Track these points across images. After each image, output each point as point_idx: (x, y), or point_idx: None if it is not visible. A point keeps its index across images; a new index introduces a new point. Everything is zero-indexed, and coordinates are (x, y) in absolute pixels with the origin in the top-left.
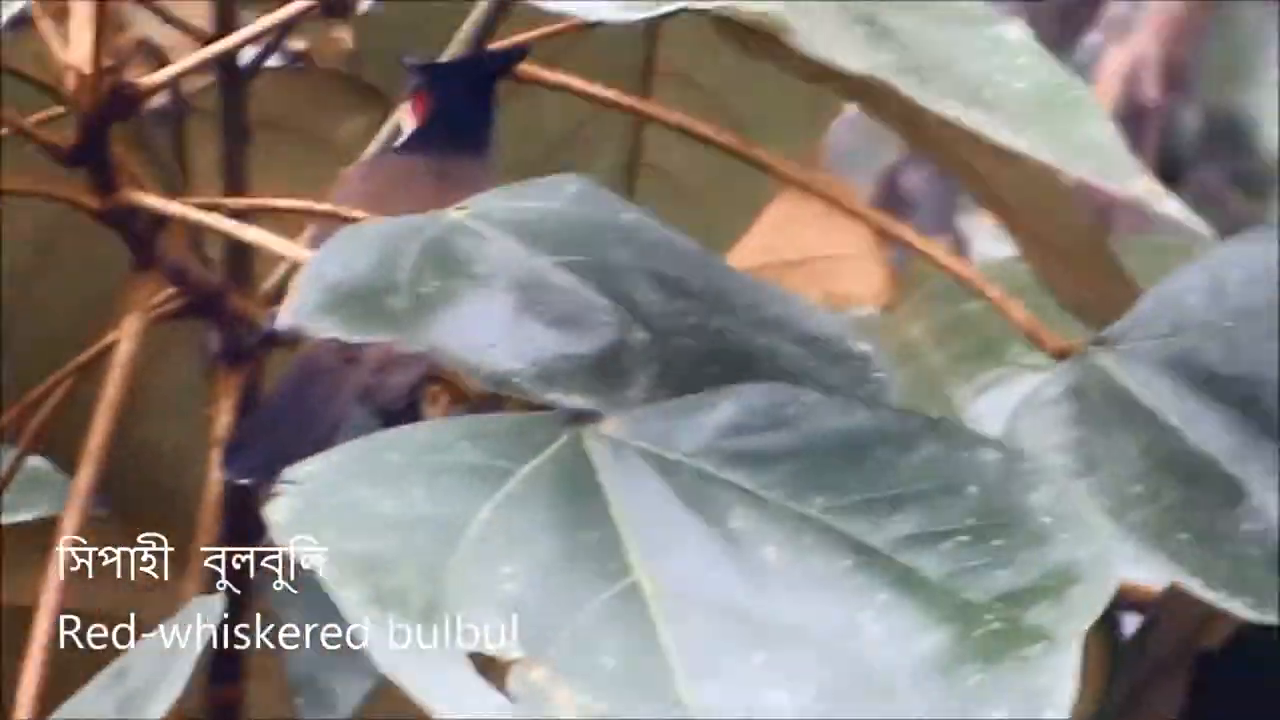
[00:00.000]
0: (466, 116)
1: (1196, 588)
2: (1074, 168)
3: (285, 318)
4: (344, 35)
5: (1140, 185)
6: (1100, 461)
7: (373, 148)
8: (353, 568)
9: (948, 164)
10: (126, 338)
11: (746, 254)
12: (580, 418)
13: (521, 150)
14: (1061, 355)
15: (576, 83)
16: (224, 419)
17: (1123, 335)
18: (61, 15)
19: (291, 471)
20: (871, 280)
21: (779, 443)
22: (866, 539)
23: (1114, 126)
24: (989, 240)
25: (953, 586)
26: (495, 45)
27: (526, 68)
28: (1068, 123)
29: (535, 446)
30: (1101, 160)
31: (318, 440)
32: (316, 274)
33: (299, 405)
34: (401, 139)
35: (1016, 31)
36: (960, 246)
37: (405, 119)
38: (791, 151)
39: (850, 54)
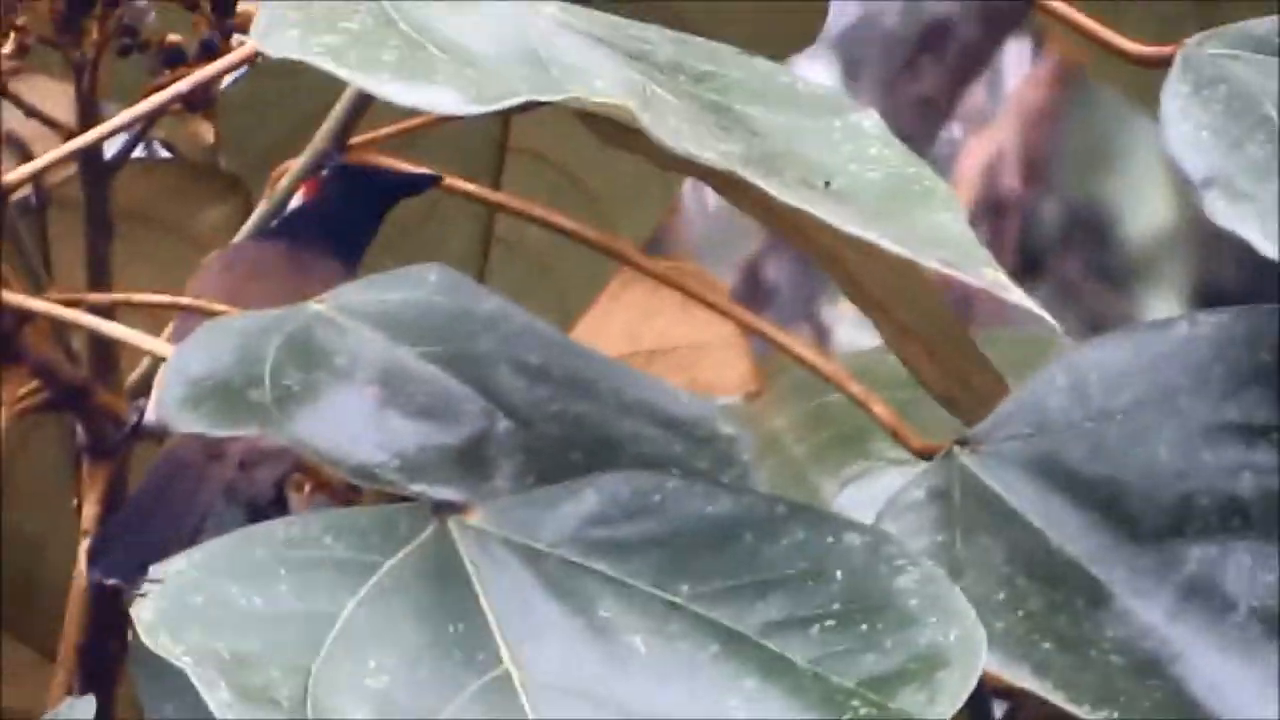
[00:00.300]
0: (351, 221)
1: (1060, 701)
2: (924, 257)
3: (150, 413)
4: (204, 128)
5: (989, 275)
6: (965, 566)
7: (238, 239)
8: (220, 666)
9: (810, 252)
10: None
11: (610, 341)
12: (445, 508)
13: (379, 229)
14: (925, 455)
15: (422, 171)
16: (90, 511)
17: (986, 435)
18: None
19: (157, 569)
20: (735, 369)
21: (644, 530)
22: (733, 625)
23: (964, 216)
24: (851, 329)
25: (820, 672)
26: (361, 138)
27: (381, 159)
28: (919, 213)
29: (401, 539)
30: (952, 250)
31: (184, 537)
32: (179, 368)
33: (164, 502)
34: (285, 215)
35: (870, 121)
36: (822, 335)
37: (297, 196)
38: (644, 225)
39: (698, 144)
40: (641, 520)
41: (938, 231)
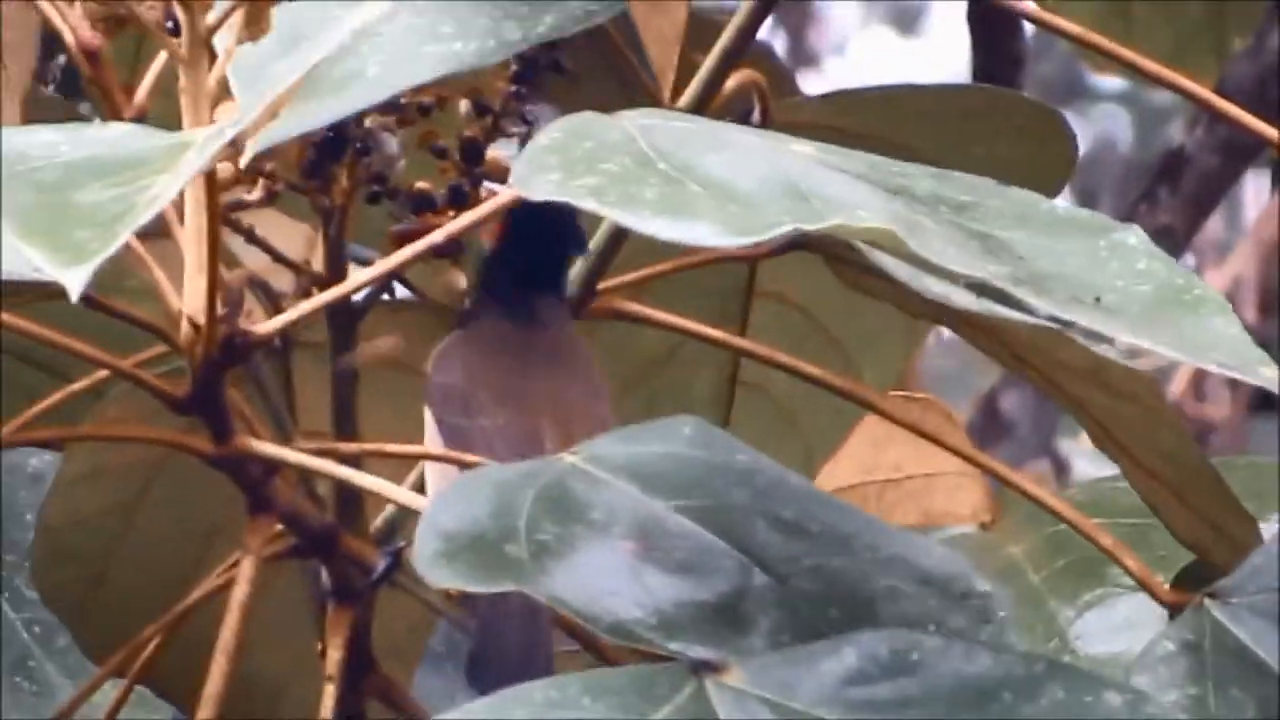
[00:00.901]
0: (541, 250)
1: None
2: (1201, 360)
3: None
4: (456, 275)
5: (1267, 374)
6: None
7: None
8: None
9: (1056, 397)
10: (242, 583)
11: (843, 471)
12: (703, 667)
13: (620, 370)
14: (1175, 606)
15: (670, 318)
16: (335, 655)
17: (1238, 587)
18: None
19: None
20: (969, 498)
21: (903, 690)
22: None
23: (1238, 321)
24: (1089, 463)
25: None
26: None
27: (621, 302)
28: (1190, 320)
29: (659, 699)
30: (1229, 352)
31: (544, 645)
32: (434, 522)
33: (507, 647)
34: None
35: (1135, 237)
36: (1061, 469)
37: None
38: (888, 371)
39: (966, 263)
40: (900, 679)
41: (1211, 336)
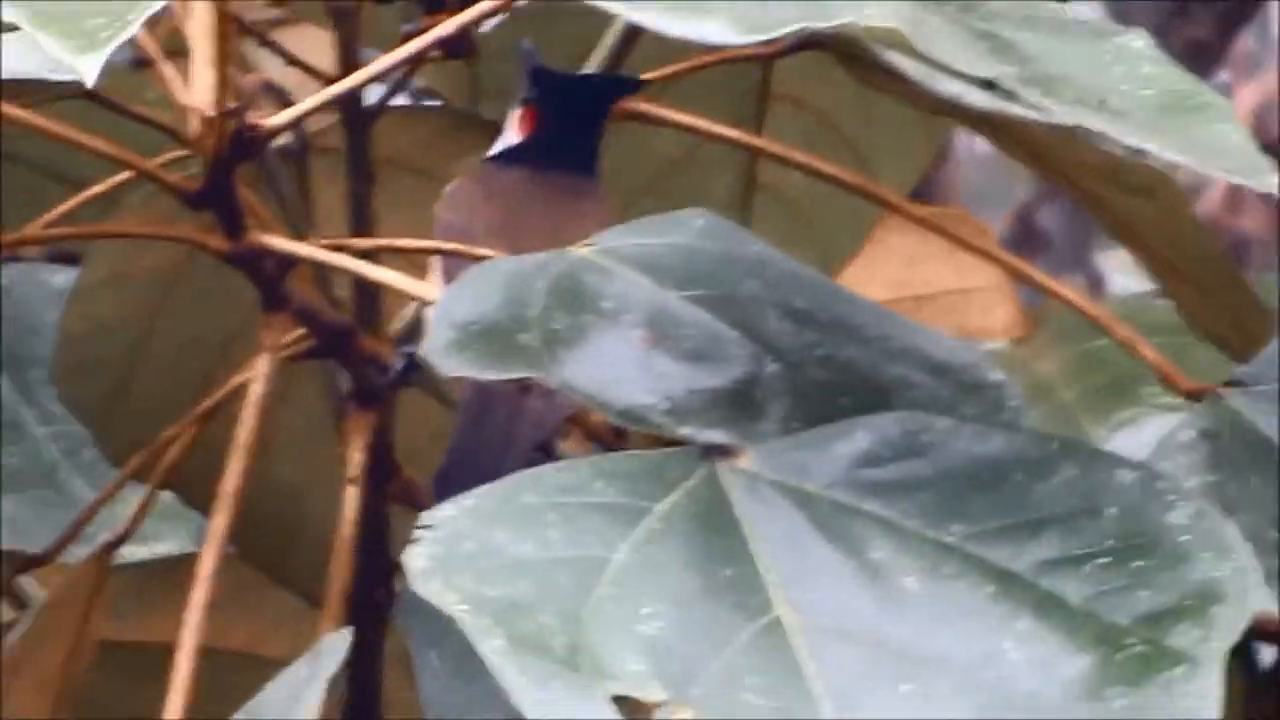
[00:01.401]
0: (574, 136)
1: None
2: (1206, 166)
3: (424, 355)
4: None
5: (1274, 180)
6: (1236, 506)
7: None
8: (492, 613)
9: (1079, 198)
10: (258, 379)
11: (876, 287)
12: (714, 452)
13: (637, 172)
14: (1195, 397)
15: (685, 119)
16: (356, 457)
17: (1256, 377)
18: (180, 56)
19: (428, 516)
20: (1002, 314)
21: (915, 471)
22: (1007, 565)
23: (1243, 128)
24: (1125, 275)
25: (1094, 610)
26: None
27: (638, 103)
28: (1197, 125)
29: (670, 483)
30: (1233, 159)
31: (516, 463)
32: (446, 313)
33: (485, 438)
34: (502, 146)
35: (1140, 41)
36: (1095, 282)
37: (511, 127)
38: (907, 175)
39: (972, 64)
40: (912, 460)
41: (1218, 141)
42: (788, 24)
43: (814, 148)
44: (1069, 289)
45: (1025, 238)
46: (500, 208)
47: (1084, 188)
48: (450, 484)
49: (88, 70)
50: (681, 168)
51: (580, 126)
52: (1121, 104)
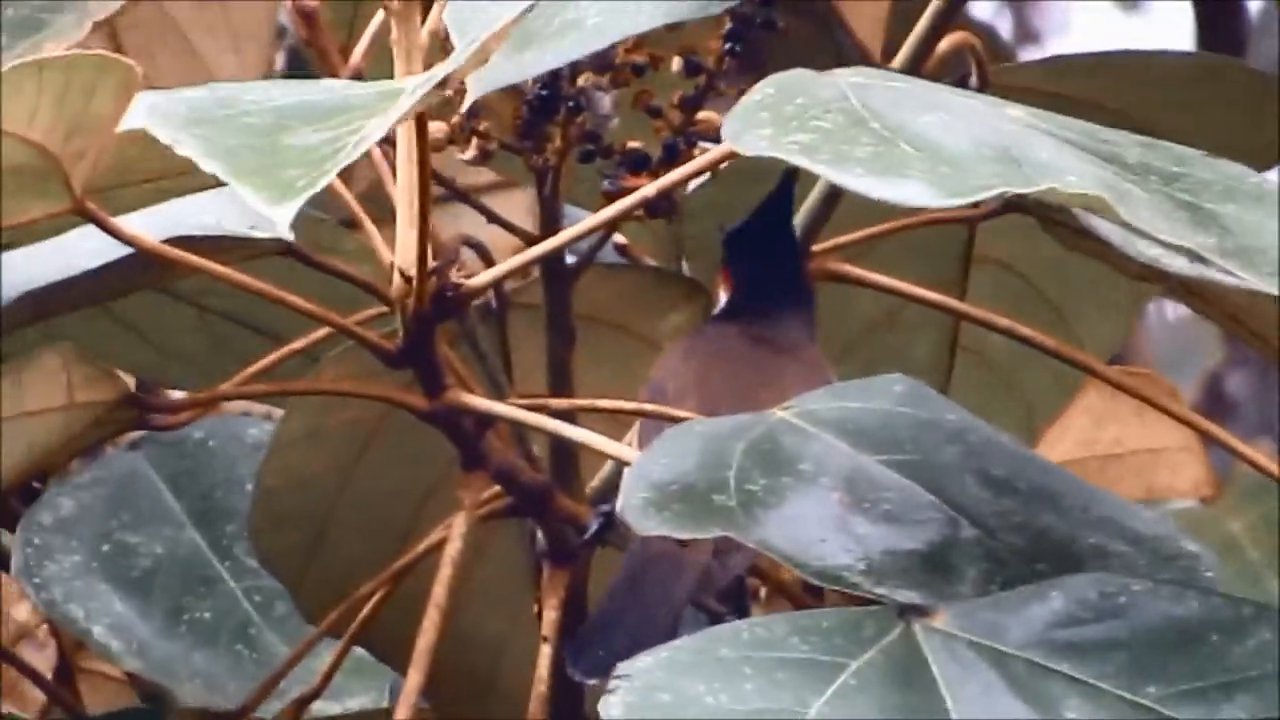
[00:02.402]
0: (769, 292)
1: None
2: None
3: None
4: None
5: None
6: None
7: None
8: None
9: (1274, 360)
10: (455, 538)
11: (1066, 446)
12: (911, 611)
13: (839, 333)
14: None
15: (888, 281)
16: (550, 616)
17: None
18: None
19: (625, 666)
20: (1190, 474)
21: (1110, 632)
22: None
23: None
24: None
25: None
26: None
27: (840, 264)
28: None
29: (867, 640)
30: None
31: (661, 629)
32: (643, 473)
33: (641, 595)
34: (716, 309)
35: None
36: None
37: (717, 290)
38: (1108, 340)
39: (1173, 233)
40: (1108, 622)
41: None
42: (989, 189)
43: (1017, 310)
44: (1257, 451)
45: (1214, 403)
46: (695, 368)
47: None
48: (591, 644)
49: (281, 219)
50: (884, 329)
51: (774, 282)
52: None
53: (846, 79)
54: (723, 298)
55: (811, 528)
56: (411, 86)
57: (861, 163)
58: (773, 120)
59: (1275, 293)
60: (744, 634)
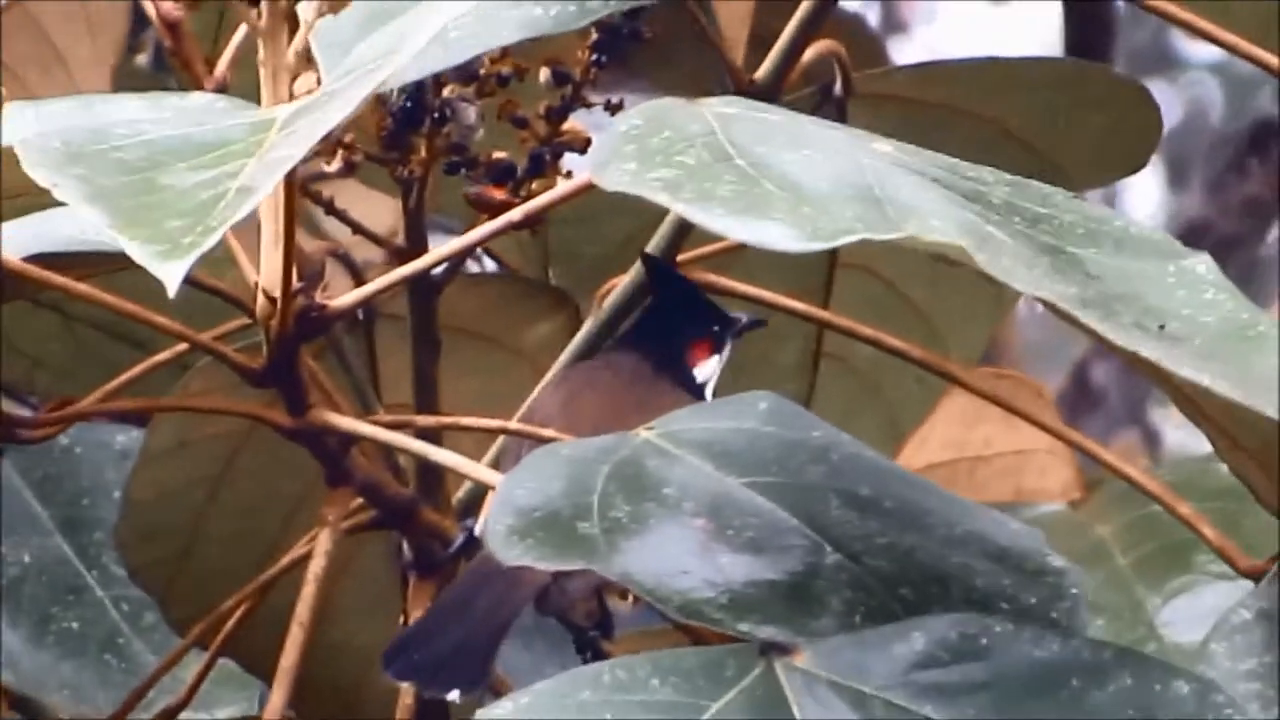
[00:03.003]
0: (678, 336)
1: None
2: (1258, 403)
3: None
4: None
5: None
6: None
7: (565, 355)
8: None
9: (1141, 368)
10: (319, 555)
11: (936, 449)
12: (772, 649)
13: None
14: (1253, 575)
15: (753, 290)
16: None
17: None
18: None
19: (486, 713)
20: (1059, 477)
21: (971, 675)
22: None
23: None
24: (1181, 432)
25: None
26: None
27: (705, 275)
28: (1254, 357)
29: (727, 682)
30: None
31: (481, 646)
32: (507, 499)
33: (468, 609)
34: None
35: (1204, 266)
36: (1151, 439)
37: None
38: (975, 343)
39: (1034, 284)
40: (969, 664)
41: (1271, 376)
42: (850, 233)
43: (882, 314)
44: (1125, 451)
45: (1081, 394)
46: (563, 394)
47: (1146, 361)
48: (407, 650)
49: (170, 279)
50: (749, 336)
51: (685, 334)
52: (1181, 329)
53: (714, 110)
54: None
55: (674, 558)
56: (281, 120)
57: (724, 202)
58: (638, 154)
59: (1129, 347)
60: (605, 676)
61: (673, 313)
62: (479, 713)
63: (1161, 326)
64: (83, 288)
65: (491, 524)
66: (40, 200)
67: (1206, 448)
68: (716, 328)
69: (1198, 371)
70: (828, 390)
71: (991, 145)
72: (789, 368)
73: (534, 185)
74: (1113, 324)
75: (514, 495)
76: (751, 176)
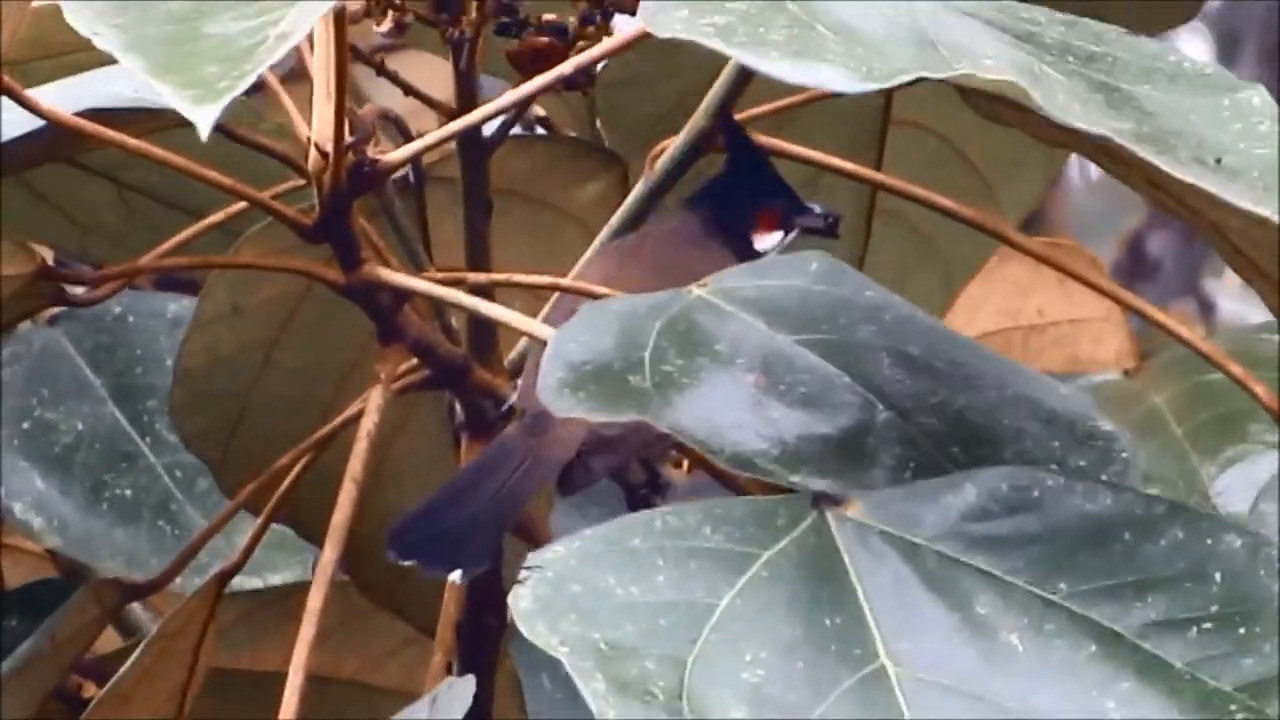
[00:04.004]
0: (739, 212)
1: None
2: None
3: (531, 398)
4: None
5: None
6: None
7: (616, 217)
8: (596, 656)
9: (1195, 223)
10: (371, 412)
11: (988, 317)
12: (823, 500)
13: None
14: None
15: (805, 151)
16: None
17: None
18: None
19: (536, 556)
20: (1113, 345)
21: (1022, 527)
22: (1110, 625)
23: None
24: (1236, 302)
25: (1198, 675)
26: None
27: (756, 135)
28: None
29: (779, 530)
30: None
31: (489, 525)
32: (560, 353)
33: (476, 489)
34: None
35: (1260, 98)
36: (1205, 309)
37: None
38: (1027, 196)
39: (1089, 119)
40: (1021, 516)
41: None
42: (905, 73)
43: (935, 170)
44: (1180, 320)
45: (1135, 265)
46: (614, 259)
47: (1202, 215)
48: (412, 528)
49: (203, 121)
50: (805, 193)
51: (745, 208)
52: (1237, 162)
53: None
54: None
55: (726, 412)
56: None
57: (777, 46)
58: (690, 1)
59: (1187, 179)
60: (657, 523)
61: (746, 179)
62: (530, 555)
63: (1218, 160)
64: (135, 143)
65: (543, 377)
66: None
67: (1261, 318)
68: (787, 206)
69: (1257, 203)
70: (882, 247)
71: None
72: (845, 223)
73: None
74: (1169, 158)
75: (566, 349)
76: (804, 21)
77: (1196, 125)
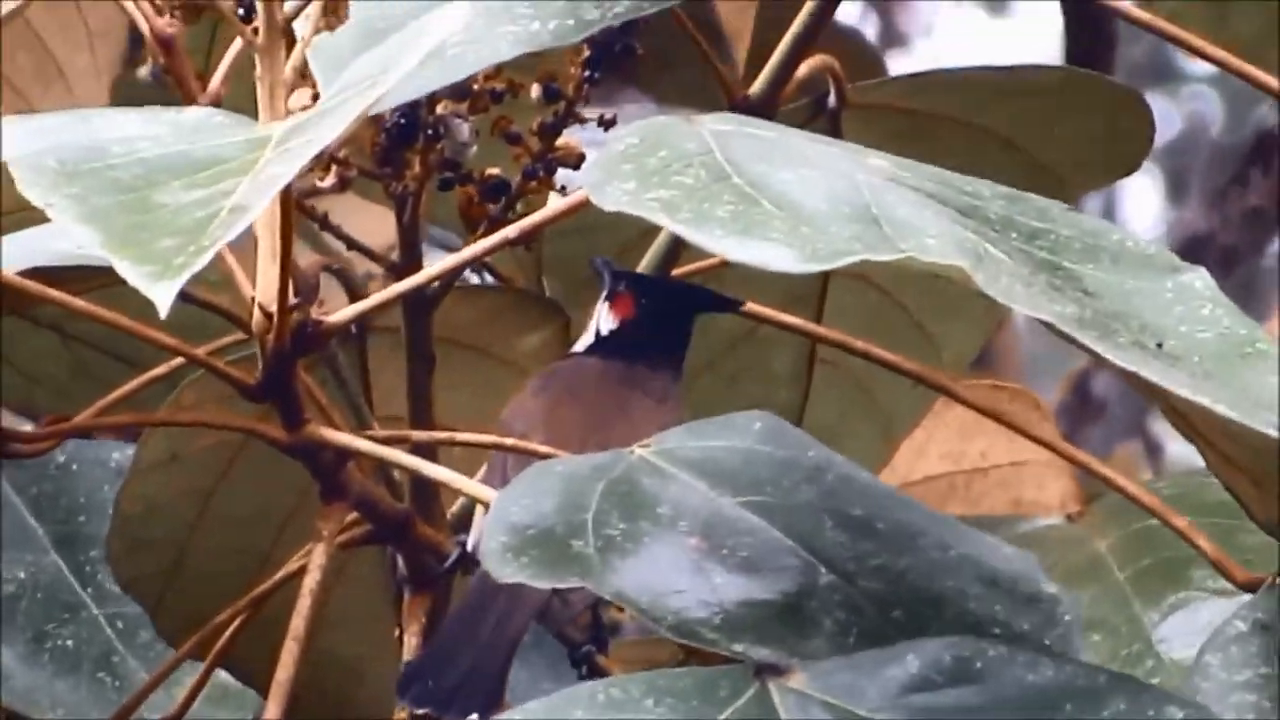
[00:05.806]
0: (666, 333)
1: None
2: (1255, 421)
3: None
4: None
5: None
6: None
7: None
8: None
9: (1133, 384)
10: (313, 569)
11: (930, 461)
12: (766, 670)
13: (699, 349)
14: (1249, 587)
15: (749, 307)
16: (413, 640)
17: None
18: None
19: None
20: (1057, 488)
21: (964, 699)
22: None
23: None
24: (1182, 444)
25: None
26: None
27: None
28: (1250, 375)
29: (722, 702)
30: None
31: (495, 664)
32: (502, 516)
33: (476, 628)
34: (592, 336)
35: (1201, 281)
36: (1152, 451)
37: (602, 317)
38: (969, 347)
39: (1032, 303)
40: (963, 688)
41: (1269, 394)
42: (848, 254)
43: (876, 320)
44: (1126, 463)
45: (1083, 404)
46: (544, 403)
47: (1136, 378)
48: (423, 675)
49: (161, 300)
50: (743, 344)
51: (672, 327)
52: (1179, 346)
53: (710, 127)
54: (606, 322)
55: (668, 577)
56: (278, 134)
57: (722, 223)
58: (636, 173)
59: (1129, 367)
60: (599, 695)
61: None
62: None
63: (1159, 344)
64: (79, 303)
65: (486, 542)
66: (38, 215)
67: None
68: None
69: (1196, 392)
70: (823, 396)
71: (985, 152)
72: (784, 374)
73: (528, 200)
74: (1110, 343)
75: (508, 512)
76: (750, 196)
77: (1139, 307)
